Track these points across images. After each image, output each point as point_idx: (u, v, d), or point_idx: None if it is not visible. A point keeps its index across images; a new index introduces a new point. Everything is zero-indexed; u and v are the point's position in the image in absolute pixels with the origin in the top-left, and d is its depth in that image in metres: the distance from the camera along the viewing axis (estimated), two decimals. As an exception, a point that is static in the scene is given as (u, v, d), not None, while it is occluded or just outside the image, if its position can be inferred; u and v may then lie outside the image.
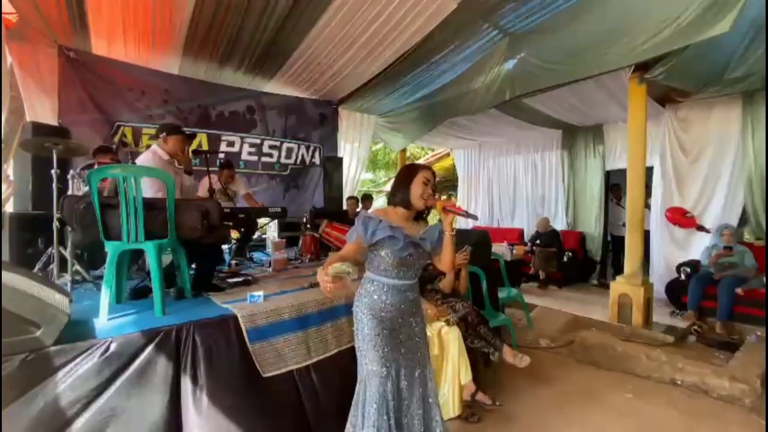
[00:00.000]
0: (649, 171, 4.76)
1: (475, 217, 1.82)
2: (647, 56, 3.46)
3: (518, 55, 4.54)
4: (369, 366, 1.68)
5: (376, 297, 1.70)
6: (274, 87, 5.90)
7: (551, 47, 4.16)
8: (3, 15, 3.62)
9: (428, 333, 2.55)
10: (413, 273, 1.76)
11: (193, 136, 3.92)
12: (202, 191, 4.08)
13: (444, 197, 1.77)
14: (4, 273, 1.63)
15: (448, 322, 2.64)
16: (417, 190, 1.71)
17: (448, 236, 1.68)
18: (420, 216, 1.81)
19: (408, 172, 1.76)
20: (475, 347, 2.72)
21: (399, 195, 1.74)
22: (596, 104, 5.40)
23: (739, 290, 3.96)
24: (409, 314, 1.76)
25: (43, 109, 4.15)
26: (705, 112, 4.90)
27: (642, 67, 3.84)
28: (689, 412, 2.67)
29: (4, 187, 3.32)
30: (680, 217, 4.89)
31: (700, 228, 4.81)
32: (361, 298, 1.74)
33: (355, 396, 1.76)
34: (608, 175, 6.40)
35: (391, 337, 1.69)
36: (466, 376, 2.53)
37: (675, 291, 4.66)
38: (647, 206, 5.04)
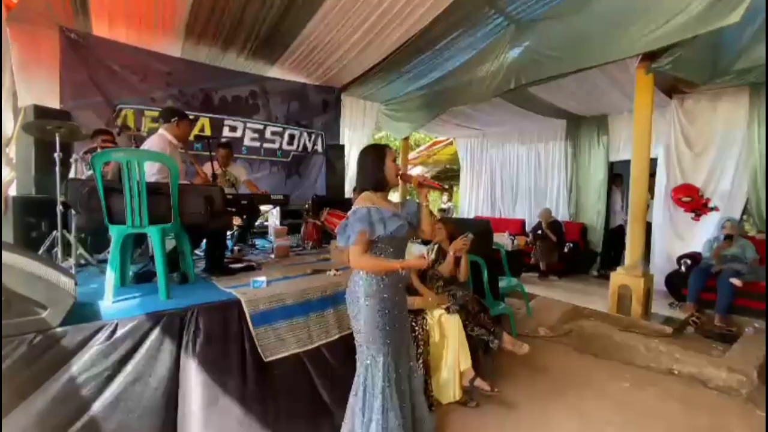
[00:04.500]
0: (652, 162, 4.73)
1: (446, 190, 1.91)
2: (656, 46, 3.42)
3: (524, 43, 4.47)
4: (372, 348, 1.71)
5: (373, 281, 1.72)
6: (276, 72, 5.84)
7: (558, 35, 4.10)
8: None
9: (428, 320, 2.58)
10: (403, 251, 1.83)
11: (195, 120, 3.85)
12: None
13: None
14: (10, 255, 1.65)
15: (448, 310, 2.66)
16: (392, 169, 1.77)
17: (424, 207, 1.81)
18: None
19: (377, 154, 1.78)
20: (475, 334, 2.74)
21: (374, 177, 1.77)
22: (602, 94, 5.35)
23: (735, 281, 3.94)
24: (403, 299, 1.83)
25: (43, 92, 4.10)
26: (712, 104, 4.86)
27: (650, 57, 3.77)
28: (686, 402, 2.71)
29: (6, 171, 3.32)
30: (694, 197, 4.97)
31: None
32: (358, 284, 1.75)
33: (355, 382, 1.79)
34: (611, 166, 6.37)
35: (390, 318, 1.73)
36: (466, 362, 2.56)
37: (675, 283, 4.67)
38: (651, 197, 5.06)
